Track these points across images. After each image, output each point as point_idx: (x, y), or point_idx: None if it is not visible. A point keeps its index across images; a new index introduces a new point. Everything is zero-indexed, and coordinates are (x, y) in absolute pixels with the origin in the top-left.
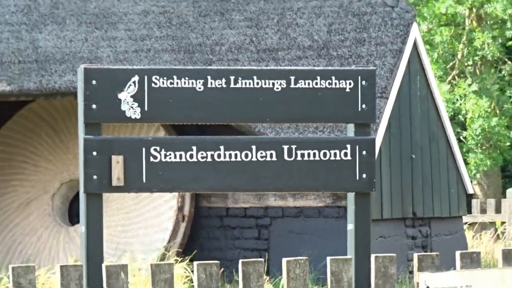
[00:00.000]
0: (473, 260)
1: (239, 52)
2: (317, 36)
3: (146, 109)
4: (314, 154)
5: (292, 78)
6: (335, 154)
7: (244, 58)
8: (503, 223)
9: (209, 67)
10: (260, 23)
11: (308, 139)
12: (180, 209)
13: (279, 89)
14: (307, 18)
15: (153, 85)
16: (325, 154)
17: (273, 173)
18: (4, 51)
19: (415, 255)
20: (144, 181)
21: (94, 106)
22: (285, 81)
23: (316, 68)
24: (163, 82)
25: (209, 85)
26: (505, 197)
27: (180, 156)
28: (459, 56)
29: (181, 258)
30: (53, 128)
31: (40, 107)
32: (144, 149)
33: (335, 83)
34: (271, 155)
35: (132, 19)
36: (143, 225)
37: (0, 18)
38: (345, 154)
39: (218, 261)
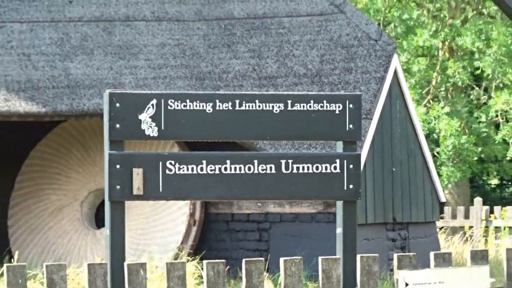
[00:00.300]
0: (445, 260)
1: (243, 79)
2: (311, 65)
3: (162, 128)
4: (308, 167)
5: (289, 101)
6: (326, 167)
7: (248, 84)
8: (471, 227)
9: (217, 92)
10: (262, 54)
11: (302, 155)
12: (192, 214)
13: (278, 111)
14: (302, 49)
15: (169, 107)
16: (317, 168)
17: (272, 184)
18: (40, 78)
19: (395, 255)
20: (160, 190)
21: (117, 125)
22: (283, 104)
23: (310, 93)
24: (177, 105)
25: (217, 108)
26: (473, 204)
27: (192, 169)
28: (433, 82)
29: (192, 258)
30: (82, 144)
31: (71, 126)
32: (160, 162)
33: (326, 106)
34: (270, 168)
35: (151, 50)
36: (159, 228)
37: (37, 49)
38: (335, 168)
39: (224, 260)
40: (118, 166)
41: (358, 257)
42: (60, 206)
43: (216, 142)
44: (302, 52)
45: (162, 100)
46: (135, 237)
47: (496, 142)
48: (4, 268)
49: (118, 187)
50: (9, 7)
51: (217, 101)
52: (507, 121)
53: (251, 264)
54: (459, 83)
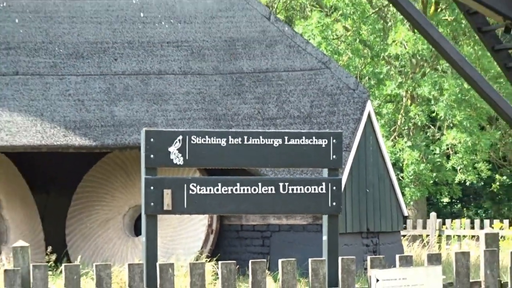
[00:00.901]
0: (407, 261)
1: (250, 120)
2: (303, 109)
3: (187, 158)
4: (300, 189)
5: (286, 137)
6: (314, 188)
7: (254, 124)
8: (427, 235)
9: (230, 130)
10: (265, 100)
11: (296, 179)
12: (210, 225)
13: (277, 145)
14: (296, 97)
15: (192, 142)
16: (307, 189)
17: (272, 201)
18: (91, 119)
19: (368, 258)
20: (185, 206)
21: (152, 156)
22: (281, 140)
23: (302, 131)
24: (198, 140)
25: (230, 142)
26: (429, 218)
27: (210, 189)
28: (398, 123)
29: (210, 259)
30: (125, 170)
31: (116, 156)
32: (185, 185)
33: (315, 141)
34: (271, 189)
35: (178, 97)
36: (184, 236)
37: (89, 96)
38: (321, 189)
39: (235, 261)
40: (152, 188)
41: (340, 259)
42: (106, 219)
43: (229, 169)
44: (296, 99)
45: (187, 136)
46: (165, 243)
47: (447, 169)
48: (63, 267)
49: (152, 203)
50: (68, 63)
51: (229, 137)
52: (456, 153)
53: (256, 264)
54: (419, 123)
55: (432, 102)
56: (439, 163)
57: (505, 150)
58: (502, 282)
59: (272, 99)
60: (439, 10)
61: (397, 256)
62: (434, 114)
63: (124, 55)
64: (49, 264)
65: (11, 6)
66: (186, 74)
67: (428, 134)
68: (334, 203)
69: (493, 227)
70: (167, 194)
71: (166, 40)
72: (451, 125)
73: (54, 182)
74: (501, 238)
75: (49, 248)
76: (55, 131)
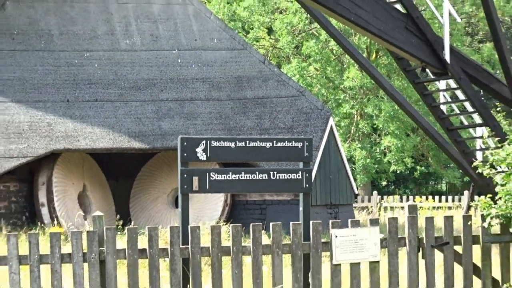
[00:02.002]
0: (356, 224)
1: (252, 130)
2: (287, 123)
3: (208, 155)
4: (284, 175)
5: (275, 141)
6: (294, 175)
7: (254, 133)
8: (371, 207)
9: (237, 137)
10: (261, 117)
11: (282, 169)
12: (225, 200)
13: (269, 146)
14: (283, 115)
15: (212, 144)
16: (289, 176)
17: (266, 184)
18: (146, 130)
19: (330, 221)
20: (207, 188)
21: (185, 154)
22: (271, 143)
23: (286, 137)
24: (216, 143)
25: (237, 145)
26: (372, 195)
27: (224, 176)
28: (352, 132)
29: (225, 224)
30: (168, 164)
31: (162, 155)
32: (207, 173)
33: (294, 144)
34: (265, 176)
35: (204, 116)
36: (208, 208)
37: (144, 115)
38: (298, 176)
39: (241, 224)
40: (185, 175)
41: (311, 222)
42: (156, 197)
43: (236, 163)
44: (282, 116)
45: (208, 141)
46: (195, 213)
47: (385, 162)
48: (126, 229)
49: (185, 186)
50: (130, 93)
51: (237, 141)
52: (390, 151)
53: (255, 226)
54: (365, 132)
55: (374, 118)
56: (379, 158)
57: (423, 150)
58: (419, 237)
59: (266, 116)
60: (378, 56)
61: (349, 220)
62: (375, 126)
63: (168, 88)
64: (117, 228)
65: (92, 55)
66: (209, 100)
67: (371, 139)
68: (307, 185)
69: (414, 201)
70: (195, 179)
71: (195, 77)
72: (387, 133)
73: (122, 172)
74: (420, 208)
75: (118, 216)
76: (121, 139)
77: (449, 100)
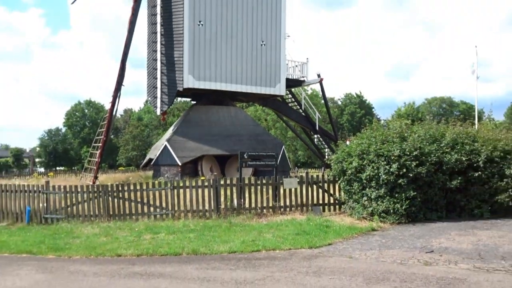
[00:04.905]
0: (289, 176)
1: (246, 149)
2: (270, 150)
3: (246, 157)
4: (264, 165)
5: (265, 154)
6: (270, 164)
7: (247, 149)
8: (293, 172)
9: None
10: (258, 150)
11: (267, 161)
12: (252, 170)
13: (255, 154)
14: (268, 146)
15: (245, 156)
16: (270, 162)
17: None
18: (228, 148)
19: (283, 177)
20: (246, 166)
21: (241, 159)
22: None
23: (270, 153)
24: (248, 153)
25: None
26: (296, 167)
27: (251, 163)
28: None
29: (252, 176)
30: (236, 160)
31: (235, 157)
32: (245, 162)
33: (271, 155)
34: (252, 164)
35: (227, 140)
36: (248, 172)
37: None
38: (273, 165)
39: (257, 177)
40: (241, 161)
41: (284, 179)
42: (231, 169)
43: (255, 162)
44: (267, 147)
45: (244, 153)
46: (245, 173)
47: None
48: (224, 178)
49: (242, 164)
50: (218, 143)
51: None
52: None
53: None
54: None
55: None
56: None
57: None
58: (309, 181)
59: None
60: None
61: (289, 175)
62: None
63: (227, 140)
64: (221, 178)
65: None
66: (230, 136)
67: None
68: (276, 164)
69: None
70: (244, 163)
71: (233, 135)
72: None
73: (222, 162)
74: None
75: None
76: (222, 150)
77: (320, 140)
